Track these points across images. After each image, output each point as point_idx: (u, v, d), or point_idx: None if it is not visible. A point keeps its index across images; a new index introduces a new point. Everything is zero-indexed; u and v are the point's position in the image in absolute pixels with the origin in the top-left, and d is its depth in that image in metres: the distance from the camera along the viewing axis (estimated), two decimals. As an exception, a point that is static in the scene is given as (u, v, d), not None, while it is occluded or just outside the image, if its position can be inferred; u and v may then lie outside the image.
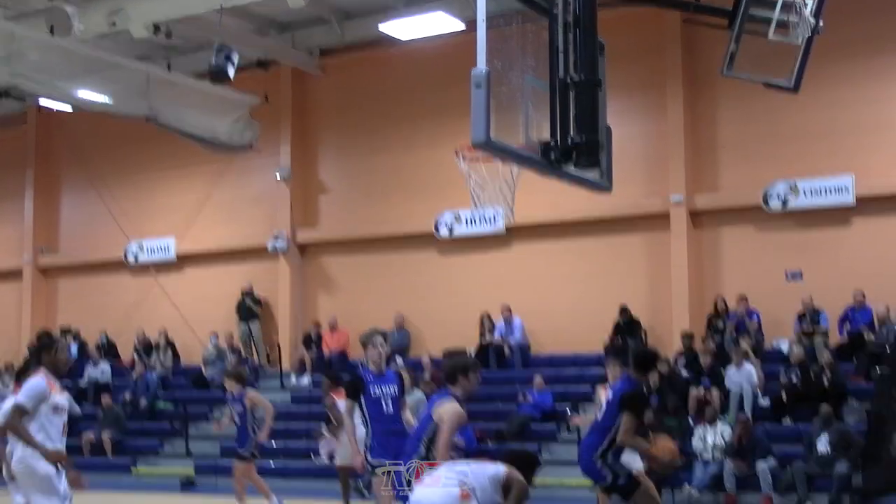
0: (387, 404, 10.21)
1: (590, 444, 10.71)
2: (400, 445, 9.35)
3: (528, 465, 7.89)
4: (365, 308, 24.90)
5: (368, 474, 10.47)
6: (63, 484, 8.77)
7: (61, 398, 8.85)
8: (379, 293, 25.25)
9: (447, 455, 8.39)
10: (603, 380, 14.71)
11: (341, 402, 16.89)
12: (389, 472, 9.56)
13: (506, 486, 7.50)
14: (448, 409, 8.57)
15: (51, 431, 8.68)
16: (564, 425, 20.58)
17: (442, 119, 23.62)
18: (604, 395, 14.09)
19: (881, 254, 20.59)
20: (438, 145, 22.69)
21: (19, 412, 8.54)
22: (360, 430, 11.10)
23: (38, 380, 8.66)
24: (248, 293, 26.34)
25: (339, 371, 19.60)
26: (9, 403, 9.52)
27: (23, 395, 8.64)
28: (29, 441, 8.49)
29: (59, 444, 8.72)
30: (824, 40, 13.10)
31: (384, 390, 10.26)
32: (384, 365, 10.40)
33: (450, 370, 8.99)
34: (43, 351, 8.89)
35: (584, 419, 15.40)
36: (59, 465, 8.52)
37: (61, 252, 30.54)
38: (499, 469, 7.61)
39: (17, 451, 8.76)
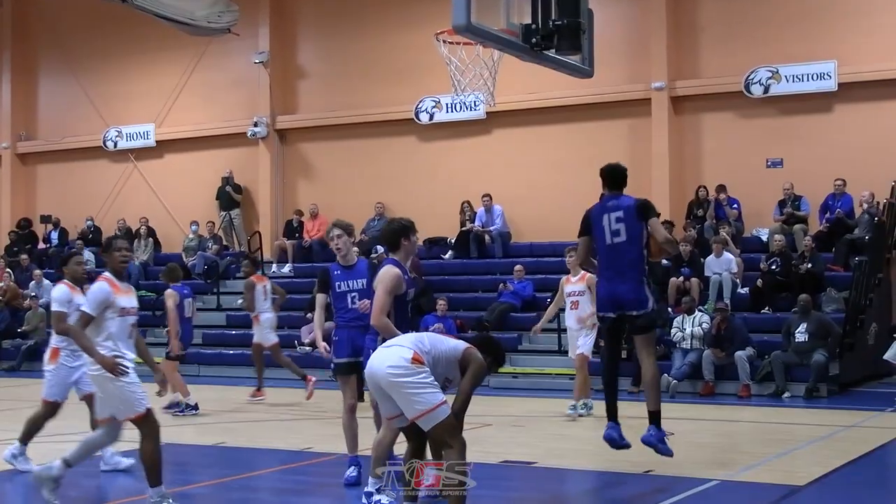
0: (352, 299, 9.93)
1: (634, 275, 9.80)
2: (363, 341, 9.17)
3: (493, 351, 7.74)
4: (346, 195, 24.85)
5: (332, 371, 10.22)
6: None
7: (127, 300, 8.62)
8: (359, 180, 25.15)
9: (381, 317, 8.27)
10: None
11: (260, 287, 17.17)
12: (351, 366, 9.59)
13: (463, 363, 7.39)
14: (382, 273, 8.48)
15: (118, 335, 8.54)
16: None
17: (423, 1, 23.32)
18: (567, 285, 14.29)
19: (863, 141, 20.49)
20: (419, 29, 22.35)
21: (85, 319, 8.38)
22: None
23: (102, 284, 8.42)
24: (228, 180, 26.14)
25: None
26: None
27: (87, 303, 8.48)
28: (87, 348, 8.37)
29: (125, 348, 8.55)
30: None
31: (350, 284, 9.90)
32: (353, 257, 10.02)
33: (391, 236, 8.87)
34: (103, 253, 8.68)
35: (540, 328, 15.36)
36: (116, 371, 8.37)
37: (40, 138, 30.22)
38: (459, 345, 7.50)
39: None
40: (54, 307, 10.06)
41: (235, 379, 20.10)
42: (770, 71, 21.08)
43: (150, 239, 26.83)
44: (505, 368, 18.98)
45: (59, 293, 10.05)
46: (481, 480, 10.10)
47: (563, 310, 14.89)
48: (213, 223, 26.16)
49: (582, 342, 14.15)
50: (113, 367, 8.31)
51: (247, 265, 18.76)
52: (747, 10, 21.32)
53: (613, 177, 10.13)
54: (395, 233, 8.78)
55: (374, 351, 7.87)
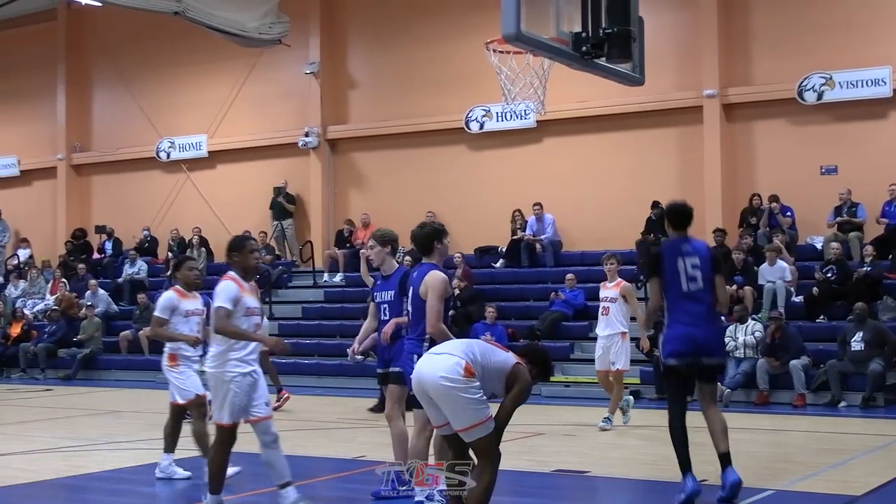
0: (384, 310, 9.64)
1: (715, 322, 9.58)
2: (388, 353, 9.29)
3: (541, 362, 7.65)
4: (396, 204, 24.82)
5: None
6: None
7: (252, 300, 8.64)
8: (410, 189, 25.17)
9: (437, 324, 8.22)
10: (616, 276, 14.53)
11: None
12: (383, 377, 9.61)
13: (510, 379, 7.31)
14: (431, 280, 8.39)
15: None
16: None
17: (473, 11, 23.28)
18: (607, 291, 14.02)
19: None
20: (469, 39, 22.39)
21: (226, 314, 8.28)
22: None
23: (228, 282, 8.38)
24: (281, 190, 26.26)
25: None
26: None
27: (221, 299, 8.34)
28: (245, 336, 8.34)
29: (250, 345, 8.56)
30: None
31: (383, 296, 9.75)
32: (390, 267, 9.78)
33: (423, 240, 8.76)
34: (233, 252, 8.64)
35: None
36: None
37: (94, 149, 30.57)
38: (509, 358, 7.37)
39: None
40: (157, 312, 10.26)
41: (287, 387, 20.13)
42: (823, 77, 20.88)
43: (203, 248, 26.99)
44: (557, 377, 19.07)
45: (164, 299, 10.23)
46: (534, 489, 10.12)
47: None
48: (265, 233, 26.29)
49: (616, 357, 13.78)
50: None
51: None
52: (799, 17, 21.13)
53: (680, 218, 9.63)
54: (428, 236, 8.72)
55: (419, 357, 7.89)
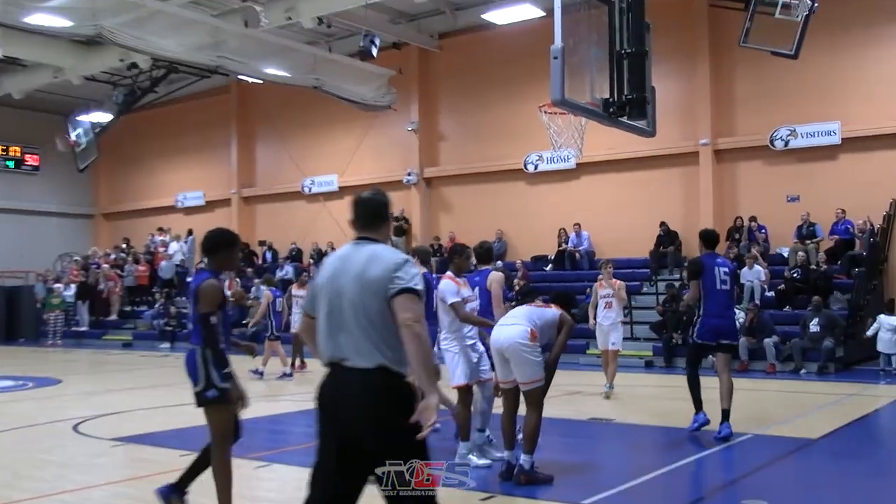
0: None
1: (733, 315, 9.90)
2: None
3: (568, 302, 7.82)
4: (474, 225, 24.90)
5: None
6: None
7: (467, 291, 8.12)
8: (484, 214, 25.19)
9: (502, 308, 8.14)
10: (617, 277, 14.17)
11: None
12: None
13: (560, 325, 7.41)
14: (496, 276, 8.42)
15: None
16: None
17: (528, 83, 23.24)
18: (601, 288, 13.64)
19: (861, 181, 19.85)
20: (526, 103, 22.35)
21: (458, 306, 7.80)
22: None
23: (447, 281, 7.99)
24: (399, 216, 26.40)
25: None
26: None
27: (451, 294, 7.86)
28: (477, 321, 7.92)
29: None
30: (818, 17, 12.53)
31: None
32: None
33: (485, 254, 8.65)
34: (454, 255, 8.52)
35: (594, 324, 13.82)
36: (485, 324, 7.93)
37: (257, 185, 31.00)
38: (555, 313, 7.45)
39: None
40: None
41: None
42: (789, 129, 20.59)
43: (334, 257, 27.19)
44: (591, 350, 18.98)
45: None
46: (575, 431, 10.11)
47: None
48: (381, 245, 26.37)
49: (615, 338, 13.31)
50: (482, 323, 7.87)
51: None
52: (771, 83, 20.80)
53: (711, 240, 10.07)
54: (488, 251, 8.76)
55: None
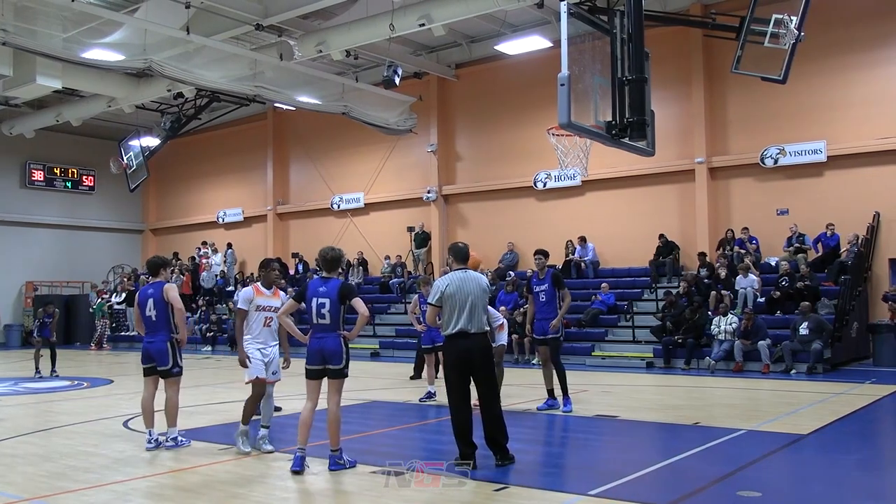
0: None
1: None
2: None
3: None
4: (488, 238, 24.93)
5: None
6: None
7: (268, 300, 8.62)
8: (497, 227, 25.14)
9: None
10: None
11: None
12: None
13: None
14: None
15: None
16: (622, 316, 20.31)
17: (538, 108, 23.31)
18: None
19: (845, 196, 19.69)
20: (536, 126, 22.52)
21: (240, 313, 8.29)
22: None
23: (250, 289, 8.36)
24: (413, 229, 26.44)
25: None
26: None
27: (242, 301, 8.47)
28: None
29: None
30: (805, 45, 12.43)
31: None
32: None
33: (335, 262, 8.29)
34: (261, 269, 8.75)
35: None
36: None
37: (291, 203, 31.04)
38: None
39: None
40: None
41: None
42: (778, 148, 20.44)
43: (361, 267, 27.28)
44: (596, 352, 18.88)
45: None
46: (582, 428, 10.02)
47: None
48: (400, 255, 26.45)
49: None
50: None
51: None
52: (761, 105, 20.69)
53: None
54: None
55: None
